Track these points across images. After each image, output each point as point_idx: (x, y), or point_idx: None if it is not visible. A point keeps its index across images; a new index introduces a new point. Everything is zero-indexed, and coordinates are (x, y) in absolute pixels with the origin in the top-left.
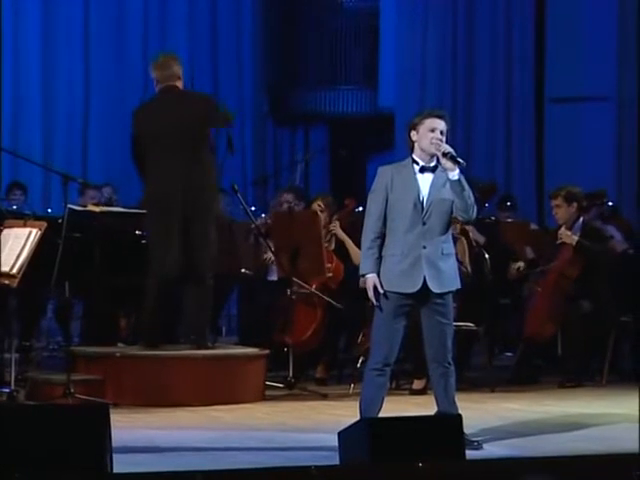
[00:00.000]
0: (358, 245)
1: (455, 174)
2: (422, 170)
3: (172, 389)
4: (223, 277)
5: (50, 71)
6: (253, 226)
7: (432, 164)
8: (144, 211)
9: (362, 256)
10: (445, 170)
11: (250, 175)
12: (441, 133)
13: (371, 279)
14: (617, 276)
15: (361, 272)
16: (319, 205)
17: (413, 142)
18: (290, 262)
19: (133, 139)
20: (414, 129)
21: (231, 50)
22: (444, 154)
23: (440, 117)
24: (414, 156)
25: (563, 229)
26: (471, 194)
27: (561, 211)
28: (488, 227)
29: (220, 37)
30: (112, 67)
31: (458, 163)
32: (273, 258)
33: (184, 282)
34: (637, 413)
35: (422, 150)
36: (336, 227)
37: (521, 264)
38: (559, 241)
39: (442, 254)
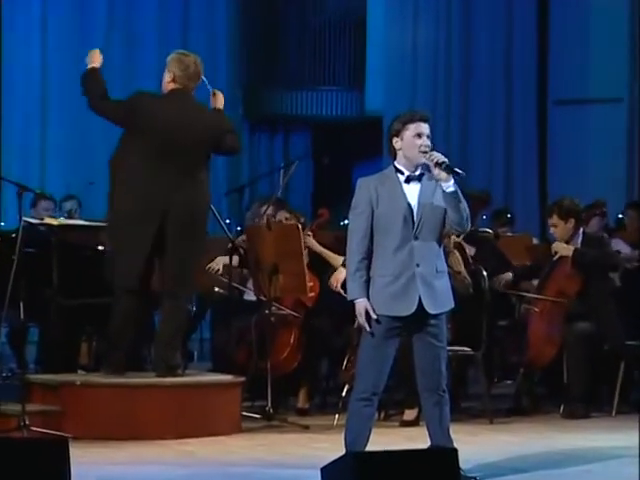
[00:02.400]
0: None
1: (450, 185)
2: (408, 180)
3: (138, 421)
4: (195, 297)
5: (6, 73)
6: (230, 244)
7: (418, 172)
8: (107, 220)
9: (349, 280)
10: (436, 180)
11: (224, 185)
12: (427, 137)
13: (362, 304)
14: (625, 295)
15: (350, 297)
16: (285, 218)
17: (396, 150)
18: (269, 280)
19: (120, 103)
20: (397, 136)
21: (202, 45)
22: (438, 164)
23: (426, 120)
24: (397, 165)
25: (557, 242)
26: (466, 205)
27: (559, 230)
28: (483, 241)
29: (191, 31)
30: (72, 68)
31: (456, 174)
32: (218, 263)
33: (162, 301)
34: None
35: (407, 159)
36: (309, 238)
37: (508, 276)
38: (555, 257)
39: (436, 272)
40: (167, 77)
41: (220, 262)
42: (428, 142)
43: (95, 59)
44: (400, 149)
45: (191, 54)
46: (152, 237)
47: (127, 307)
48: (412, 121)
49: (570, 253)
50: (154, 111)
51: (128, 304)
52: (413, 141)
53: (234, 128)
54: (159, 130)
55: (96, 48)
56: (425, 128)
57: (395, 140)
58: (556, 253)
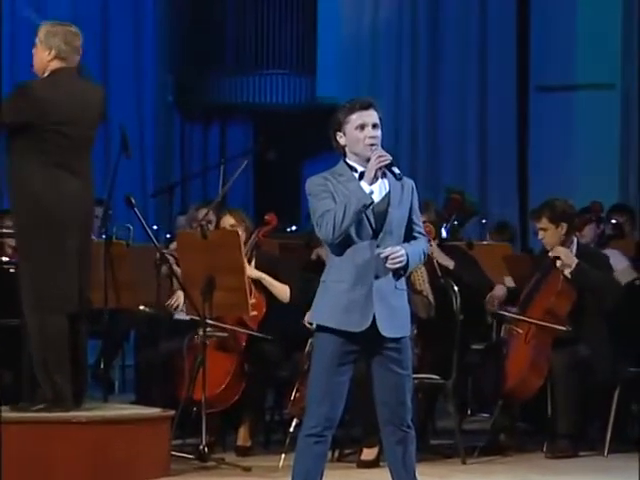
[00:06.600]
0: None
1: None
2: (362, 177)
3: (48, 463)
4: (116, 316)
5: None
6: (158, 254)
7: None
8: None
9: (346, 217)
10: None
11: (151, 183)
12: (374, 127)
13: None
14: (621, 315)
15: (367, 197)
16: (231, 225)
17: (342, 146)
18: (203, 296)
19: (18, 100)
20: (339, 130)
21: (126, 23)
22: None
23: (367, 107)
24: (349, 161)
25: (559, 247)
26: (426, 248)
27: (548, 235)
28: (458, 251)
29: (112, 5)
30: None
31: (393, 174)
32: (179, 297)
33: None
34: None
35: (356, 155)
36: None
37: (501, 291)
38: (552, 254)
39: (395, 288)
40: (47, 54)
41: (181, 297)
42: (375, 132)
43: None
44: (345, 145)
45: (68, 24)
46: (78, 252)
47: (61, 331)
48: (352, 111)
49: (573, 265)
50: (58, 101)
51: (62, 328)
52: (357, 135)
53: None
54: (67, 115)
55: None
56: (369, 116)
57: (339, 135)
58: (556, 253)
